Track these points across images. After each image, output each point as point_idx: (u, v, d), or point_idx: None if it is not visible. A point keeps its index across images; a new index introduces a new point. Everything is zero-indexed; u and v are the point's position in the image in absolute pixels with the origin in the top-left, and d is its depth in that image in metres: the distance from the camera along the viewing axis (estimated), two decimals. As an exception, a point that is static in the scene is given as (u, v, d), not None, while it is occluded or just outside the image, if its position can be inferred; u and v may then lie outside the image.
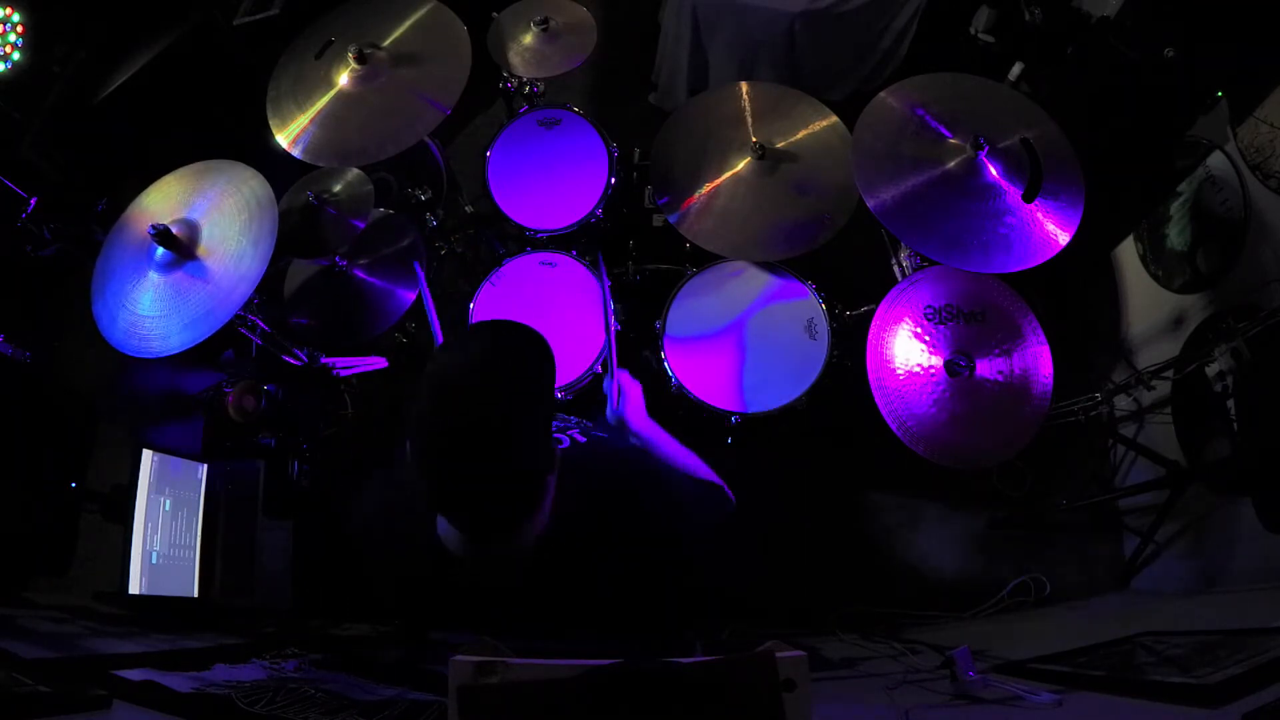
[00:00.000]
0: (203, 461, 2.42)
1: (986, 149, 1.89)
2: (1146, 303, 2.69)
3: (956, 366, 2.00)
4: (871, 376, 2.01)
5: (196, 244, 1.93)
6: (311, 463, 2.51)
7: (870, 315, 2.09)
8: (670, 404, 2.15)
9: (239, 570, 2.37)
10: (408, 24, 2.22)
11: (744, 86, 2.32)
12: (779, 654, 0.96)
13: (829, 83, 2.97)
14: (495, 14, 2.51)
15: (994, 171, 1.91)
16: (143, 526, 2.20)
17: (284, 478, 2.43)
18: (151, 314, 1.89)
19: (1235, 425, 2.22)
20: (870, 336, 2.05)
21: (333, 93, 2.13)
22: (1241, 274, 2.28)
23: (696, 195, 2.21)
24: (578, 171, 2.40)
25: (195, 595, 2.30)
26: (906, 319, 2.07)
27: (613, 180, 2.35)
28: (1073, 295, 2.75)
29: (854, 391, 2.05)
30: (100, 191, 2.59)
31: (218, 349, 2.61)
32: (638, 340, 2.34)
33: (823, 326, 2.18)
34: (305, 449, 2.51)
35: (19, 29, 2.52)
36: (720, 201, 2.19)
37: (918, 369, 2.02)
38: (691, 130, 2.31)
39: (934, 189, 1.92)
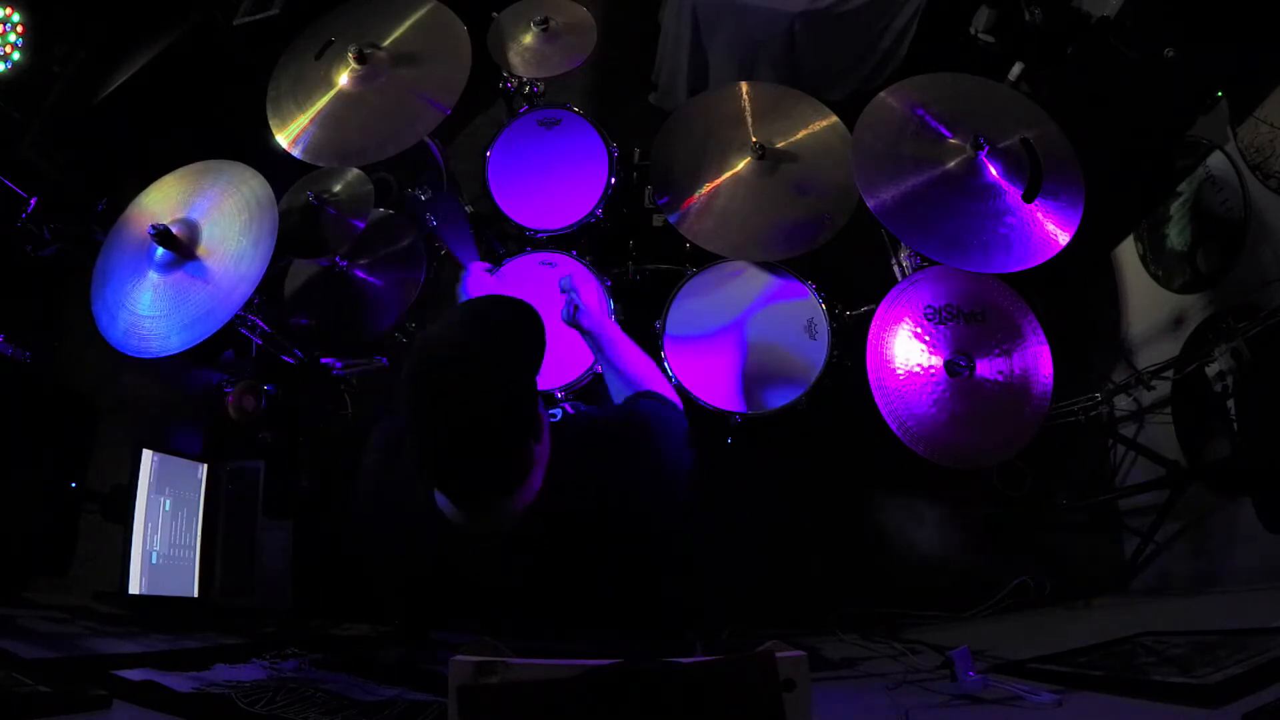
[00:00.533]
0: (203, 461, 2.42)
1: (986, 149, 1.89)
2: (1146, 303, 2.69)
3: (956, 366, 2.00)
4: (871, 376, 2.01)
5: (196, 244, 1.93)
6: (311, 463, 2.51)
7: (870, 315, 2.09)
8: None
9: (239, 570, 2.37)
10: (408, 24, 2.22)
11: (744, 86, 2.32)
12: (779, 654, 0.96)
13: (829, 83, 2.97)
14: (495, 14, 2.51)
15: (994, 171, 1.91)
16: (143, 526, 2.20)
17: (284, 478, 2.43)
18: (151, 314, 1.89)
19: (1235, 425, 2.22)
20: (870, 336, 2.05)
21: (333, 93, 2.13)
22: (1241, 274, 2.28)
23: (696, 195, 2.21)
24: (578, 171, 2.40)
25: (195, 595, 2.30)
26: (906, 319, 2.07)
27: (613, 180, 2.36)
28: (1073, 295, 2.75)
29: (854, 391, 2.05)
30: (100, 191, 2.59)
31: (218, 349, 2.61)
32: (638, 340, 2.33)
33: (823, 326, 2.18)
34: (305, 449, 2.51)
35: (19, 29, 2.52)
36: (720, 201, 2.19)
37: (918, 369, 2.02)
38: (691, 130, 2.31)
39: (934, 189, 1.92)
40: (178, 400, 2.71)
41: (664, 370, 2.16)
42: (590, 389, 2.15)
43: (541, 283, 2.30)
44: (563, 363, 2.15)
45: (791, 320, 2.20)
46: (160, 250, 1.90)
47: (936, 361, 2.02)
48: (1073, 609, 2.45)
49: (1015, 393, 2.00)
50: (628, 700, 0.96)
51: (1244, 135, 2.28)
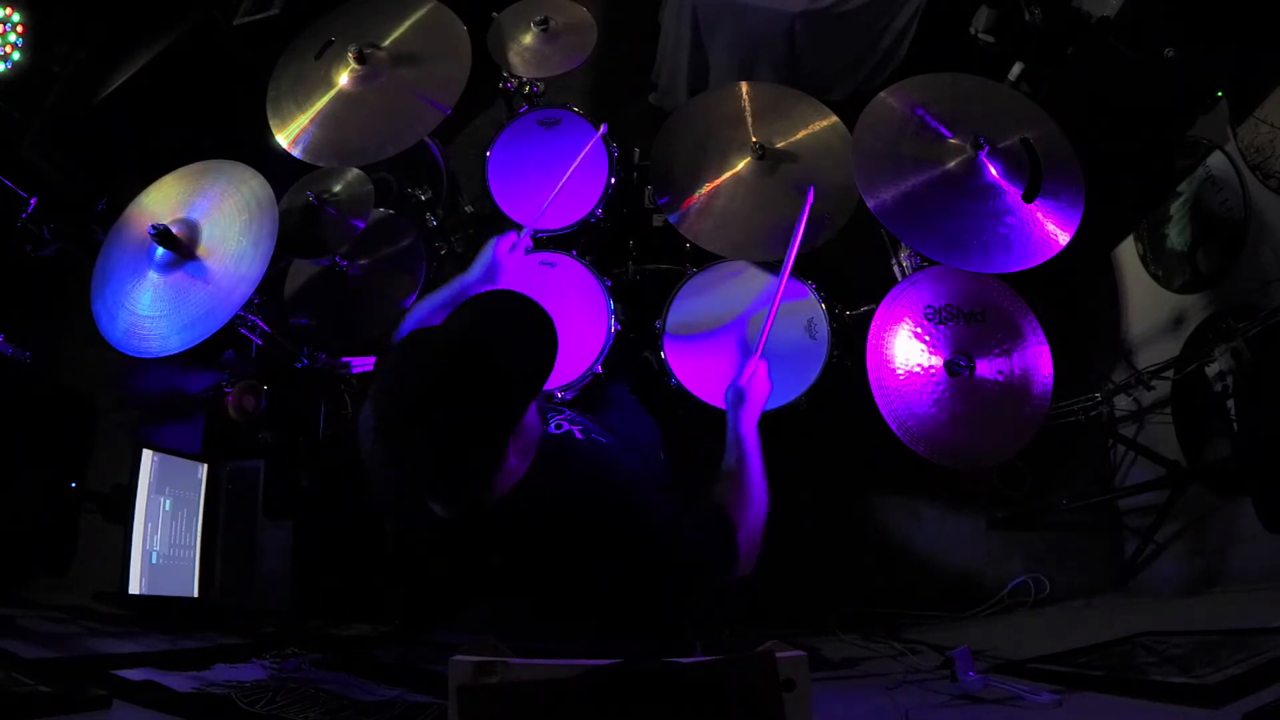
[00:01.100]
0: (203, 461, 2.42)
1: (986, 149, 1.89)
2: (1146, 303, 2.69)
3: (956, 366, 2.00)
4: (871, 376, 2.01)
5: (196, 244, 1.93)
6: (311, 463, 2.51)
7: (870, 315, 2.09)
8: (670, 403, 2.14)
9: (239, 570, 2.37)
10: (408, 24, 2.22)
11: (744, 86, 2.32)
12: (779, 654, 0.96)
13: (829, 83, 2.97)
14: (495, 14, 2.51)
15: (994, 171, 1.91)
16: (143, 526, 2.20)
17: (284, 478, 2.43)
18: (151, 314, 1.89)
19: (1235, 425, 2.22)
20: (870, 336, 2.05)
21: (333, 93, 2.13)
22: (1241, 274, 2.28)
23: (696, 195, 2.20)
24: (578, 171, 2.39)
25: (195, 595, 2.30)
26: (906, 319, 2.07)
27: (613, 180, 2.35)
28: (1073, 295, 2.75)
29: (854, 391, 2.05)
30: (100, 191, 2.60)
31: (218, 349, 2.61)
32: (638, 340, 2.33)
33: (823, 326, 2.17)
34: (305, 449, 2.51)
35: (19, 29, 2.52)
36: (720, 201, 2.19)
37: (918, 369, 2.02)
38: (691, 130, 2.31)
39: (934, 189, 1.92)
40: (178, 400, 2.71)
41: (664, 370, 2.16)
42: (587, 392, 2.15)
43: (541, 283, 2.30)
44: (563, 363, 2.15)
45: (791, 320, 2.20)
46: (160, 250, 1.90)
47: (936, 361, 2.02)
48: (1073, 609, 2.45)
49: (1015, 393, 2.00)
50: (628, 700, 0.97)
51: (1244, 135, 2.28)
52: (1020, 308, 2.06)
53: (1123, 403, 2.60)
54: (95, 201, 2.58)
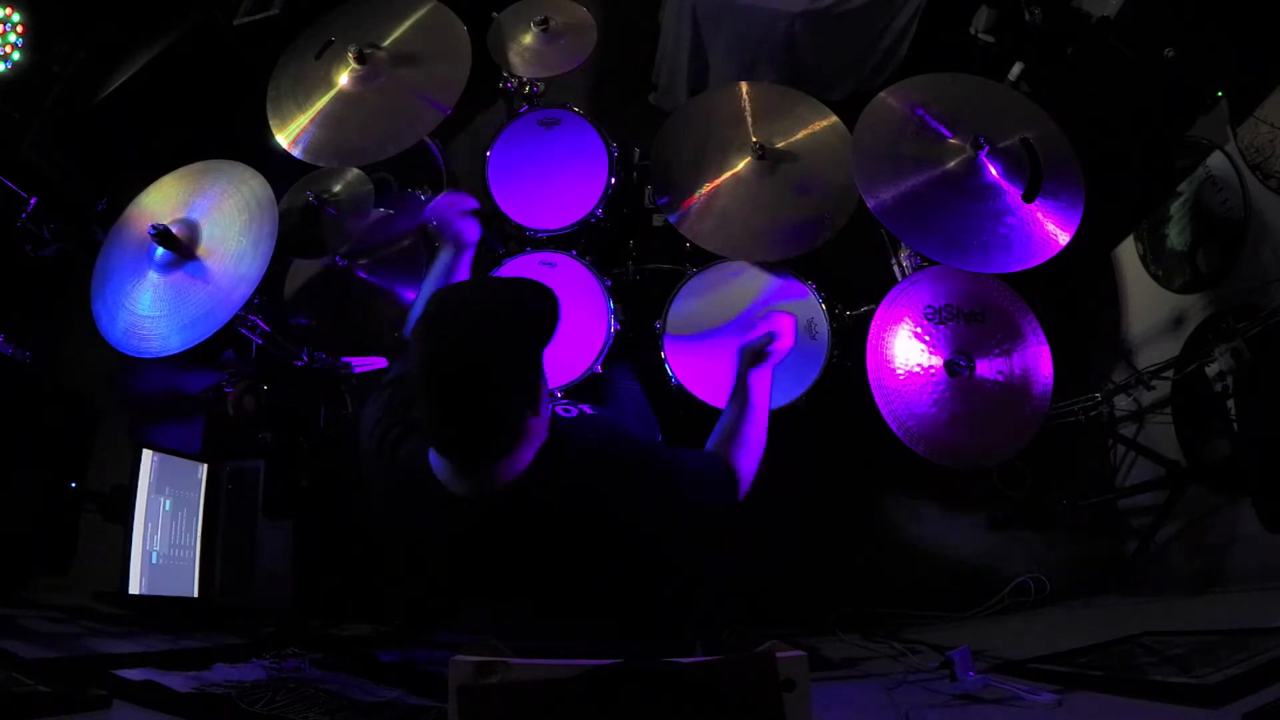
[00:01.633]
0: (203, 461, 2.42)
1: (986, 149, 1.89)
2: (1146, 303, 2.69)
3: (956, 366, 2.00)
4: (871, 376, 2.01)
5: (196, 244, 1.93)
6: (311, 463, 2.51)
7: (870, 315, 2.09)
8: (670, 403, 2.14)
9: (239, 570, 2.37)
10: (408, 24, 2.22)
11: (744, 86, 2.32)
12: (779, 654, 0.96)
13: (829, 83, 2.97)
14: (495, 14, 2.51)
15: (994, 171, 1.91)
16: (143, 526, 2.20)
17: (284, 478, 2.43)
18: (151, 314, 1.89)
19: (1235, 425, 2.22)
20: (870, 336, 2.05)
21: (333, 93, 2.13)
22: (1241, 274, 2.28)
23: (696, 195, 2.21)
24: (578, 171, 2.40)
25: (195, 595, 2.30)
26: (906, 319, 2.07)
27: (613, 180, 2.35)
28: (1073, 295, 2.75)
29: (854, 391, 2.05)
30: (100, 191, 2.59)
31: (218, 349, 2.61)
32: (638, 340, 2.33)
33: (823, 326, 2.18)
34: (305, 449, 2.51)
35: (19, 29, 2.52)
36: (720, 201, 2.19)
37: (918, 369, 2.02)
38: (691, 130, 2.31)
39: (934, 189, 1.92)
40: (178, 400, 2.71)
41: (665, 370, 2.16)
42: (589, 389, 2.15)
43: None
44: (563, 363, 2.15)
45: (791, 320, 2.20)
46: (160, 250, 1.90)
47: (936, 361, 2.02)
48: (1073, 609, 2.45)
49: (1015, 393, 2.00)
50: (628, 700, 0.97)
51: (1244, 135, 2.28)
52: (1020, 308, 2.06)
53: (1123, 403, 2.60)
54: (95, 201, 2.57)
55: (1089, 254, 2.81)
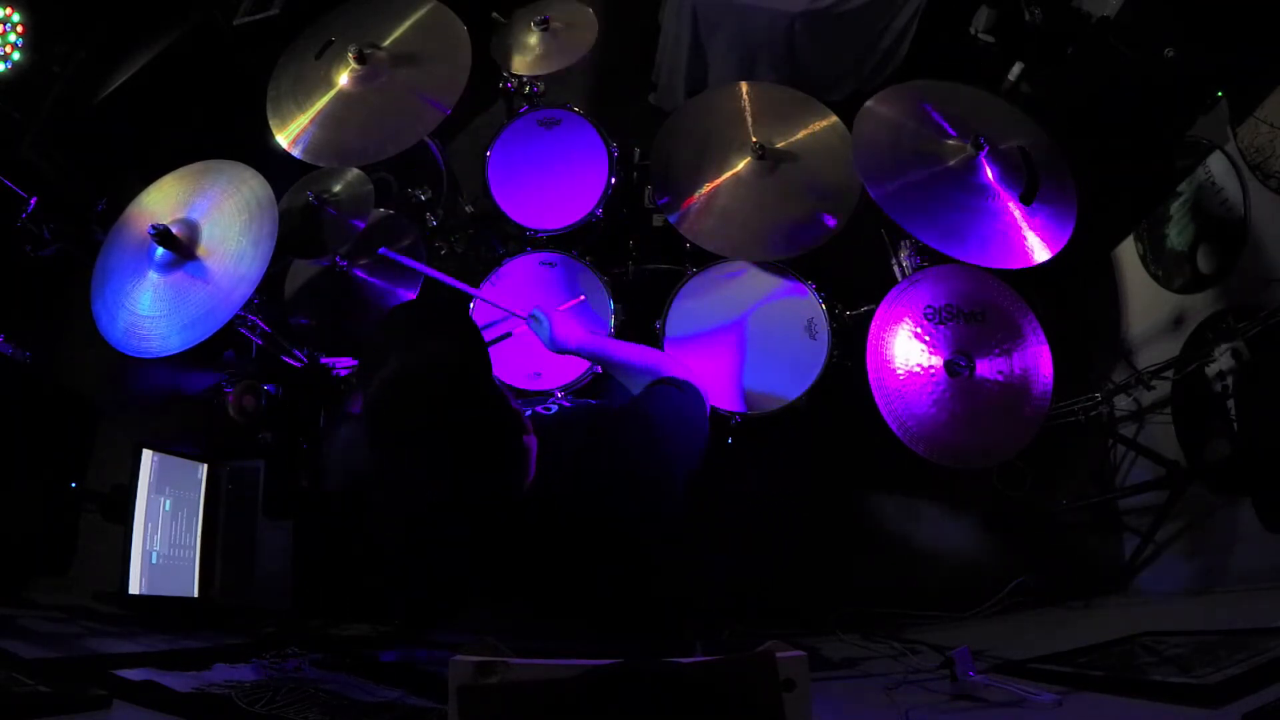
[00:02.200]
0: (203, 461, 2.42)
1: (987, 149, 1.89)
2: (1146, 303, 2.69)
3: (956, 366, 2.00)
4: (871, 376, 2.01)
5: (196, 244, 1.93)
6: (311, 463, 2.51)
7: (870, 315, 2.09)
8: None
9: (239, 570, 2.37)
10: (408, 24, 2.22)
11: (744, 86, 2.32)
12: (779, 654, 0.96)
13: (829, 83, 2.97)
14: (495, 14, 2.51)
15: (990, 174, 1.92)
16: (143, 526, 2.20)
17: (284, 478, 2.43)
18: (151, 314, 1.89)
19: (1235, 425, 2.22)
20: (870, 336, 2.05)
21: (333, 93, 2.13)
22: (1241, 274, 2.28)
23: (696, 195, 2.21)
24: (578, 171, 2.40)
25: (195, 595, 2.30)
26: (906, 319, 2.07)
27: (613, 180, 2.35)
28: (1073, 295, 2.75)
29: (854, 391, 2.05)
30: (100, 191, 2.59)
31: (218, 349, 2.61)
32: (638, 340, 2.33)
33: (823, 326, 2.18)
34: (305, 449, 2.51)
35: (19, 29, 2.52)
36: (720, 201, 2.19)
37: (918, 369, 2.02)
38: (691, 130, 2.31)
39: (934, 181, 1.92)
40: (178, 400, 2.71)
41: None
42: (590, 388, 2.15)
43: (541, 283, 2.30)
44: (563, 362, 2.15)
45: (791, 320, 2.20)
46: (160, 250, 1.90)
47: (936, 361, 2.02)
48: (1073, 609, 2.45)
49: (1015, 393, 2.00)
50: (628, 700, 0.97)
51: (1244, 135, 2.28)
52: (1020, 308, 2.06)
53: (1123, 403, 2.60)
54: (95, 201, 2.57)
55: (1089, 254, 2.81)
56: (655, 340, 2.20)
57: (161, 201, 2.02)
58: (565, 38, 2.44)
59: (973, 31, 2.88)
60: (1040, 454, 2.18)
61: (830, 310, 2.20)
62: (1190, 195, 2.51)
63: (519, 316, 1.86)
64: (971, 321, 2.05)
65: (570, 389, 2.13)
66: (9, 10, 2.49)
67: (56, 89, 2.63)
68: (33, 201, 2.35)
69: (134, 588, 2.14)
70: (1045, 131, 2.02)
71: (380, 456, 1.06)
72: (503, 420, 1.10)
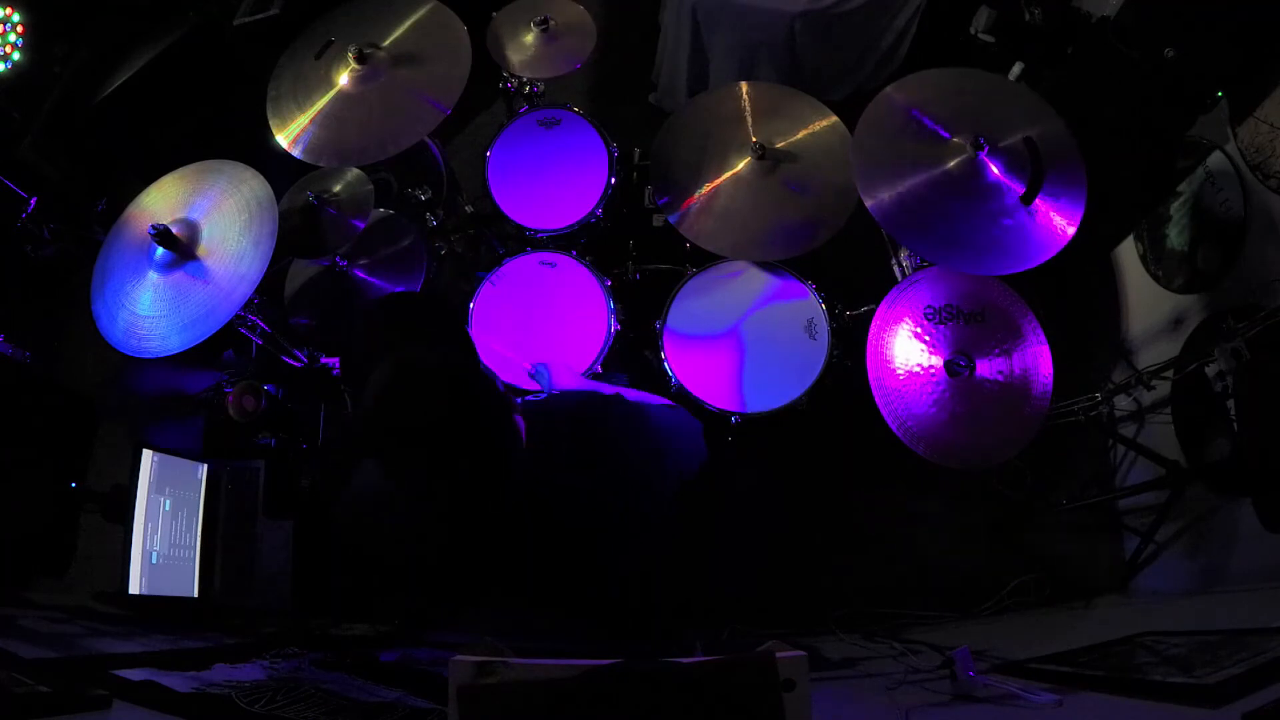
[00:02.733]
0: (203, 461, 2.42)
1: (986, 149, 1.89)
2: (1146, 303, 2.69)
3: (956, 366, 2.00)
4: (871, 376, 2.01)
5: (196, 244, 1.93)
6: (311, 463, 2.51)
7: (870, 315, 2.09)
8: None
9: (239, 570, 2.37)
10: (408, 24, 2.22)
11: (744, 86, 2.32)
12: (779, 654, 0.96)
13: (829, 83, 2.97)
14: (495, 14, 2.51)
15: (995, 170, 1.91)
16: (143, 526, 2.20)
17: (284, 478, 2.43)
18: (151, 314, 1.89)
19: (1235, 425, 2.21)
20: (870, 336, 2.05)
21: (333, 93, 2.13)
22: (1241, 274, 2.28)
23: (696, 195, 2.21)
24: (578, 171, 2.40)
25: (195, 595, 2.30)
26: (906, 319, 2.07)
27: (613, 180, 2.36)
28: (1072, 295, 2.74)
29: (854, 391, 2.05)
30: (100, 191, 2.60)
31: (218, 349, 2.61)
32: (638, 340, 2.33)
33: (823, 326, 2.18)
34: (305, 449, 2.51)
35: (19, 29, 2.52)
36: (720, 201, 2.19)
37: (918, 369, 2.02)
38: (691, 130, 2.31)
39: (933, 190, 1.91)
40: (178, 400, 2.71)
41: (665, 370, 2.17)
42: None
43: (542, 283, 2.30)
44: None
45: (791, 320, 2.20)
46: (160, 250, 1.90)
47: (936, 361, 2.02)
48: (1073, 609, 2.45)
49: (1015, 393, 2.00)
50: (628, 700, 0.97)
51: (1244, 135, 2.28)
52: (1020, 308, 2.06)
53: (1123, 403, 2.60)
54: (95, 201, 2.57)
55: (1089, 254, 2.81)
56: (655, 340, 2.20)
57: (161, 201, 2.02)
58: (565, 39, 2.44)
59: (973, 31, 2.87)
60: (1040, 454, 2.18)
61: (830, 310, 2.20)
62: (1190, 195, 2.51)
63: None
64: (971, 321, 2.05)
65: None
66: (9, 10, 2.49)
67: (56, 89, 2.63)
68: (33, 201, 2.36)
69: (134, 588, 2.14)
70: (1051, 109, 2.00)
71: (379, 460, 1.06)
72: (496, 406, 1.10)
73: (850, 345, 2.20)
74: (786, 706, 0.95)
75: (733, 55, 2.88)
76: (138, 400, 2.77)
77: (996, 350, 2.03)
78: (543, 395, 1.34)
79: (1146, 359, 2.56)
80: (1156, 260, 2.65)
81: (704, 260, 2.27)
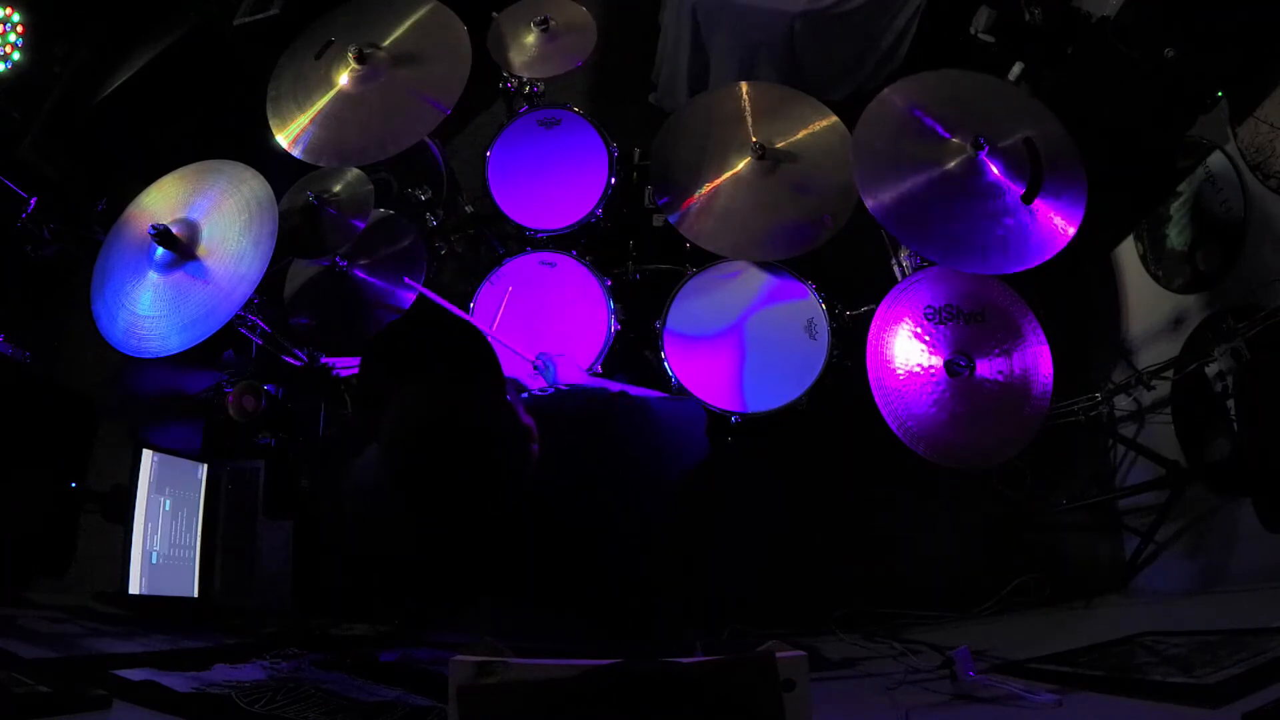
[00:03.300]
0: (203, 461, 2.42)
1: (986, 149, 1.89)
2: (1146, 303, 2.69)
3: (956, 366, 2.00)
4: (871, 376, 2.01)
5: (196, 244, 1.93)
6: (311, 463, 2.51)
7: (870, 315, 2.09)
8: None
9: (239, 570, 2.36)
10: (408, 24, 2.22)
11: (744, 86, 2.32)
12: (779, 654, 0.96)
13: (829, 83, 2.97)
14: (495, 14, 2.51)
15: (995, 170, 1.91)
16: (143, 526, 2.20)
17: (284, 478, 2.43)
18: (151, 314, 1.89)
19: (1235, 425, 2.21)
20: (870, 336, 2.05)
21: (333, 93, 2.13)
22: (1241, 274, 2.28)
23: (696, 195, 2.21)
24: (578, 171, 2.40)
25: (195, 595, 2.30)
26: (906, 319, 2.07)
27: (613, 180, 2.36)
28: (1073, 295, 2.75)
29: (854, 391, 2.05)
30: (100, 191, 2.60)
31: (218, 349, 2.61)
32: (638, 340, 2.33)
33: (823, 326, 2.18)
34: (305, 449, 2.51)
35: (19, 29, 2.52)
36: (720, 201, 2.19)
37: (918, 369, 2.02)
38: (691, 130, 2.31)
39: (934, 190, 1.91)
40: (178, 400, 2.71)
41: (665, 370, 2.17)
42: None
43: (541, 283, 2.31)
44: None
45: (791, 320, 2.20)
46: (160, 250, 1.90)
47: (936, 361, 2.02)
48: (1073, 609, 2.45)
49: (1015, 393, 2.00)
50: (628, 700, 0.97)
51: (1244, 135, 2.28)
52: (1020, 308, 2.06)
53: (1123, 403, 2.60)
54: (95, 201, 2.57)
55: (1089, 254, 2.81)
56: (655, 340, 2.20)
57: (161, 201, 2.02)
58: (565, 39, 2.44)
59: (973, 31, 2.87)
60: (1040, 454, 2.18)
61: (830, 310, 2.20)
62: (1190, 195, 2.51)
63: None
64: (971, 321, 2.05)
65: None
66: (9, 10, 2.49)
67: (56, 89, 2.63)
68: (33, 201, 2.36)
69: (134, 588, 2.14)
70: (1050, 112, 2.00)
71: (402, 488, 1.05)
72: (517, 433, 1.10)
73: (850, 345, 2.20)
74: (786, 706, 0.95)
75: (733, 55, 2.88)
76: (138, 400, 2.77)
77: (996, 350, 2.03)
78: (548, 390, 1.34)
79: (1146, 359, 2.56)
80: (1156, 260, 2.65)
81: (704, 260, 2.27)
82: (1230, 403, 2.23)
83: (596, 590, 1.24)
